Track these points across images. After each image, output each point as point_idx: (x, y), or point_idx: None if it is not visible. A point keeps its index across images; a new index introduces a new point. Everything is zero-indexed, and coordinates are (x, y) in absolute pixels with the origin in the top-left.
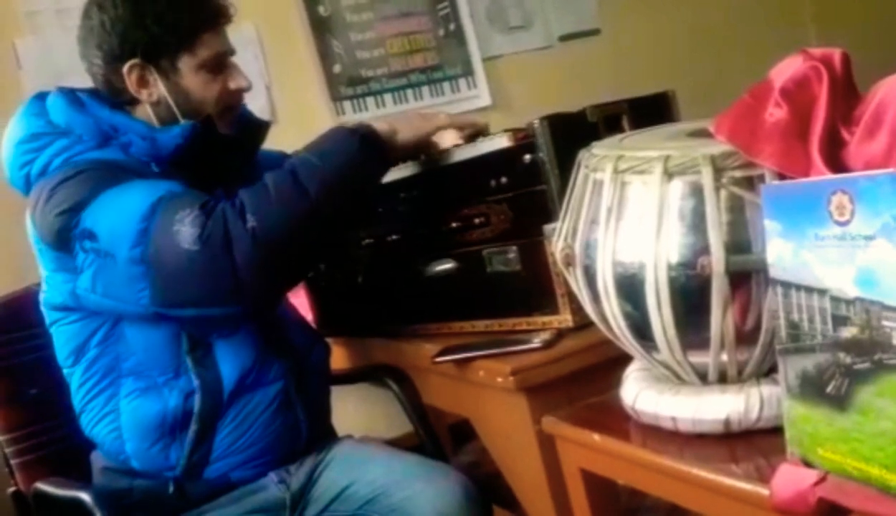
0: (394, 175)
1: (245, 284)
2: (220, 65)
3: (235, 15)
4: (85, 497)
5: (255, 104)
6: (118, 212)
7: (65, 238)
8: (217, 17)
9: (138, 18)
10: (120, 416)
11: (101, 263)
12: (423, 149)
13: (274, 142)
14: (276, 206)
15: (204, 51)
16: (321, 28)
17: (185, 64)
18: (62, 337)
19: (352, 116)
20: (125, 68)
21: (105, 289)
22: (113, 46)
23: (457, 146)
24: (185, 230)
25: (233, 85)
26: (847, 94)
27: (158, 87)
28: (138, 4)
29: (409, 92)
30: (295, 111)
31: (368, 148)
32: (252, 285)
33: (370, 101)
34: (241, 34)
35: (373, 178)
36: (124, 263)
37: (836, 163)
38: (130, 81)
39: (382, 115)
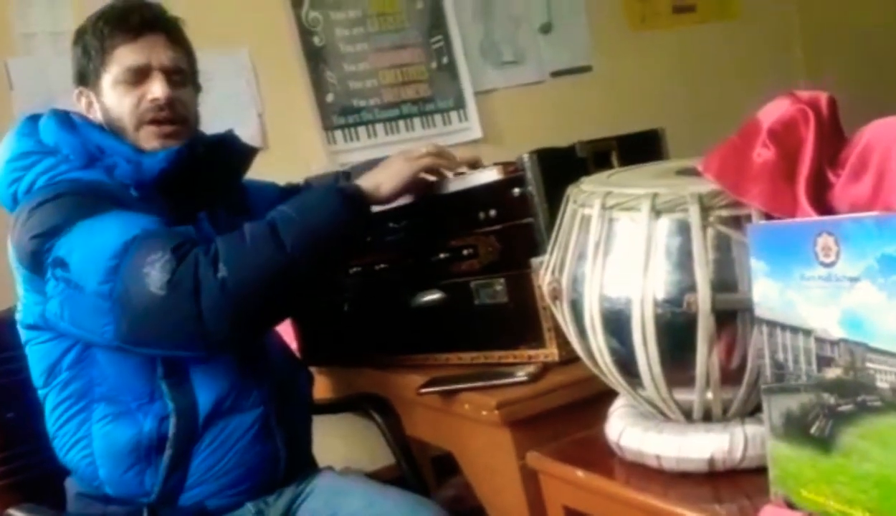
0: (393, 203)
1: (210, 332)
2: (138, 78)
3: (166, 23)
4: None
5: (246, 131)
6: (91, 246)
7: (38, 261)
8: (132, 31)
9: (76, 49)
10: (93, 442)
11: (70, 293)
12: (409, 191)
13: (264, 170)
14: (249, 259)
15: (115, 67)
16: (315, 57)
17: (105, 82)
18: (35, 356)
19: (343, 146)
20: (74, 95)
21: (72, 318)
22: (72, 76)
23: (447, 178)
24: (155, 274)
25: (148, 96)
26: (833, 137)
27: (96, 110)
28: (78, 36)
29: (401, 123)
30: (286, 139)
31: (351, 207)
32: (217, 333)
33: (362, 130)
34: (234, 61)
35: (353, 237)
36: (91, 296)
37: (822, 204)
38: (81, 106)
39: (372, 144)
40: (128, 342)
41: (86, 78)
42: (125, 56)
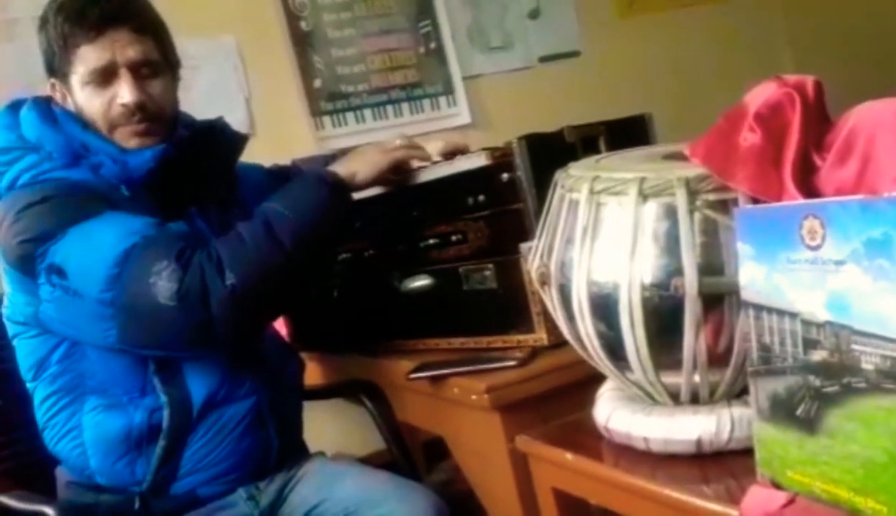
0: (372, 191)
1: (219, 335)
2: (105, 78)
3: (128, 13)
4: (49, 511)
5: (234, 117)
6: (89, 253)
7: (28, 266)
8: (92, 28)
9: (41, 37)
10: (83, 432)
11: (69, 300)
12: (383, 182)
13: (252, 155)
14: (254, 262)
15: (80, 67)
16: (303, 43)
17: (74, 80)
18: (23, 350)
19: (331, 131)
20: (48, 86)
21: (70, 323)
22: (43, 66)
23: (435, 163)
24: (162, 284)
25: (117, 99)
26: (819, 121)
27: (70, 105)
28: (42, 24)
29: (389, 108)
30: (274, 125)
31: (336, 196)
32: (226, 334)
33: (350, 116)
34: (221, 47)
35: (340, 224)
36: (93, 303)
37: (809, 188)
38: (55, 97)
39: (361, 129)
40: (131, 345)
41: (55, 72)
42: (88, 56)
